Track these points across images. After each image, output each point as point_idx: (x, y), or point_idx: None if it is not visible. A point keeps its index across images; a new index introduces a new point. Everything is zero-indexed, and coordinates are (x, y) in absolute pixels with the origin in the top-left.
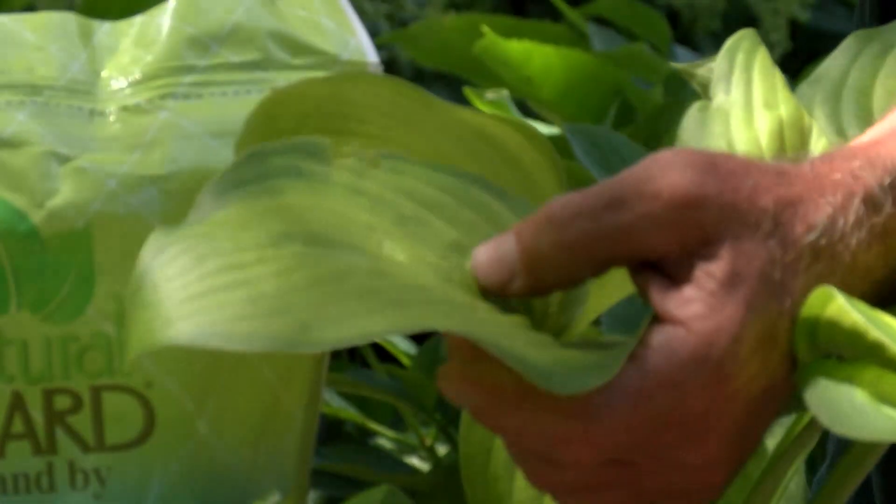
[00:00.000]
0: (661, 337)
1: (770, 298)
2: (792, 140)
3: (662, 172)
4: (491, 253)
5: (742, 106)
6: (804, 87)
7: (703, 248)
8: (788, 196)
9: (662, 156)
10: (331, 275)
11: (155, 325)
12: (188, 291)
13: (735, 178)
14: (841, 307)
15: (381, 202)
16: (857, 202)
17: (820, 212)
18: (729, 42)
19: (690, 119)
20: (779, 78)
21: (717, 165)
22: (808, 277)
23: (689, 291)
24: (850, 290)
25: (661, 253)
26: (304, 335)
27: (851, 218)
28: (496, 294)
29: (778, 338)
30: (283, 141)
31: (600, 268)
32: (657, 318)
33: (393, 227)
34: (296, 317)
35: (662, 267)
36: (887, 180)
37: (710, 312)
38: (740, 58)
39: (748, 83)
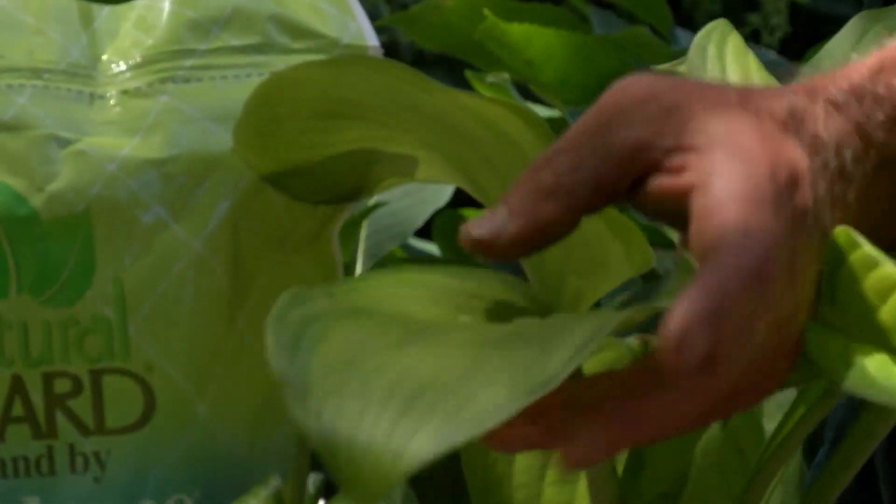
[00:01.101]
0: (707, 201)
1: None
2: None
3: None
4: (478, 219)
5: None
6: (808, 69)
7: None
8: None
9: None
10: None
11: (386, 466)
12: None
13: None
14: (867, 255)
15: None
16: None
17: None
18: (698, 36)
19: None
20: (752, 59)
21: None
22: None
23: (698, 155)
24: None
25: (647, 142)
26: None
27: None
28: (487, 252)
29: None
30: None
31: (592, 197)
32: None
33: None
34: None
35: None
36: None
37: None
38: (711, 49)
39: (722, 71)
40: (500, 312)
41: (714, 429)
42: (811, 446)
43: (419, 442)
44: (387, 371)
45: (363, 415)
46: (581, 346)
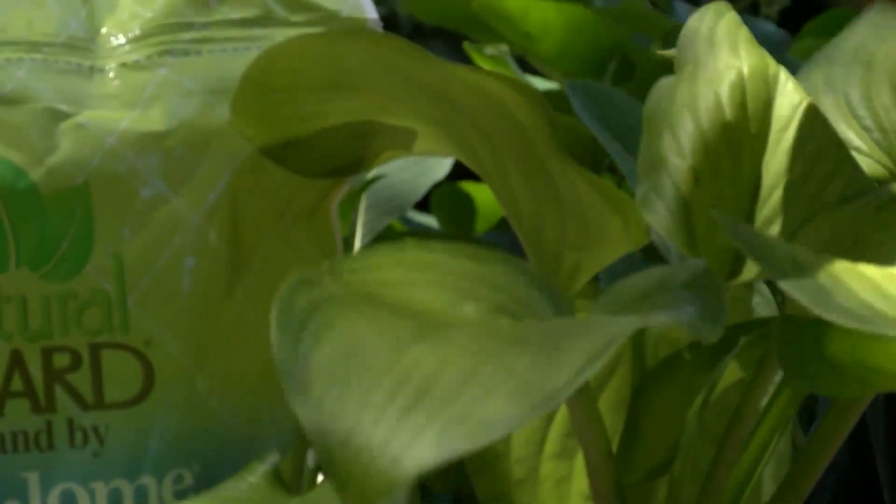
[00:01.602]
0: None
1: None
2: (755, 90)
3: None
4: None
5: (704, 71)
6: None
7: None
8: None
9: None
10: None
11: (384, 471)
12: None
13: None
14: None
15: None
16: None
17: None
18: (691, 18)
19: (656, 92)
20: (743, 34)
21: None
22: None
23: None
24: None
25: None
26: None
27: None
28: None
29: None
30: None
31: None
32: None
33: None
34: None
35: None
36: None
37: None
38: (702, 30)
39: (710, 48)
40: (505, 301)
41: (705, 395)
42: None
43: (420, 448)
44: (390, 371)
45: (363, 413)
46: (590, 358)
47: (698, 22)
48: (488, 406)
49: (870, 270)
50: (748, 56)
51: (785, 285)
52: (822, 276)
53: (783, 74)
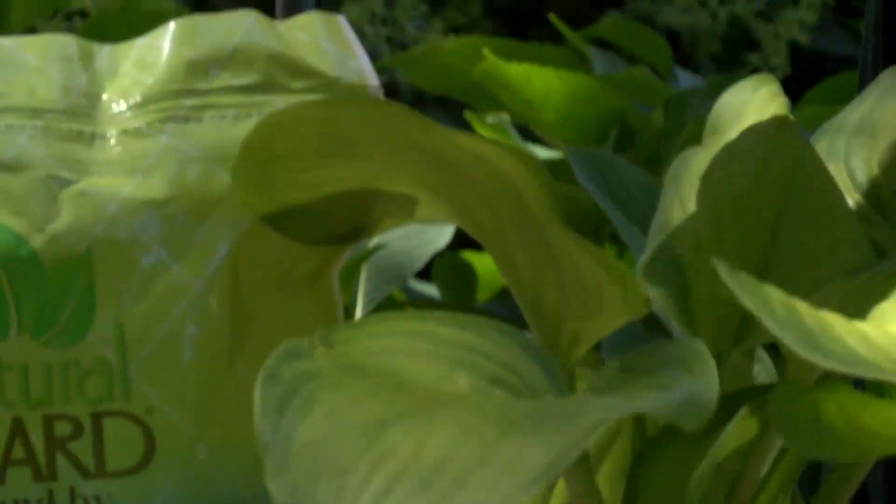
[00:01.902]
0: None
1: None
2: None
3: None
4: None
5: (723, 140)
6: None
7: None
8: None
9: None
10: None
11: None
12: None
13: None
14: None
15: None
16: None
17: None
18: (727, 93)
19: (675, 162)
20: (775, 106)
21: None
22: None
23: None
24: None
25: None
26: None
27: None
28: None
29: None
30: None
31: None
32: None
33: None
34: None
35: None
36: None
37: None
38: (735, 104)
39: (734, 121)
40: (500, 372)
41: (706, 463)
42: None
43: None
44: (367, 453)
45: (338, 498)
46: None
47: (734, 94)
48: (466, 491)
49: (862, 324)
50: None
51: (773, 327)
52: (813, 323)
53: (806, 146)
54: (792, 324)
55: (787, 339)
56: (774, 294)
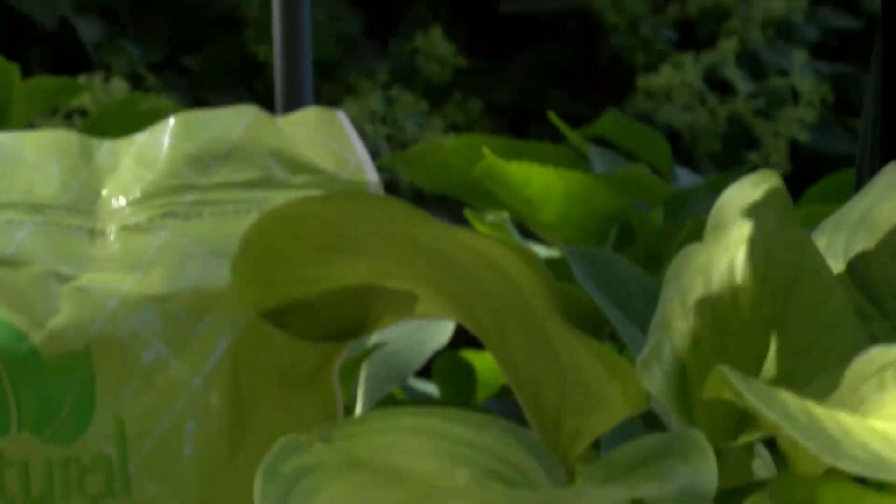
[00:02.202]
0: None
1: None
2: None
3: None
4: None
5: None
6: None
7: None
8: None
9: None
10: None
11: None
12: None
13: None
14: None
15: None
16: None
17: None
18: (728, 189)
19: (676, 259)
20: (777, 202)
21: None
22: None
23: None
24: None
25: None
26: None
27: None
28: None
29: None
30: None
31: None
32: None
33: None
34: None
35: None
36: None
37: None
38: (737, 200)
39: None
40: (499, 467)
41: None
42: None
43: None
44: None
45: None
46: None
47: (736, 191)
48: None
49: (878, 423)
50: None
51: (796, 434)
52: (832, 427)
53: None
54: (814, 431)
55: (813, 448)
56: (791, 401)
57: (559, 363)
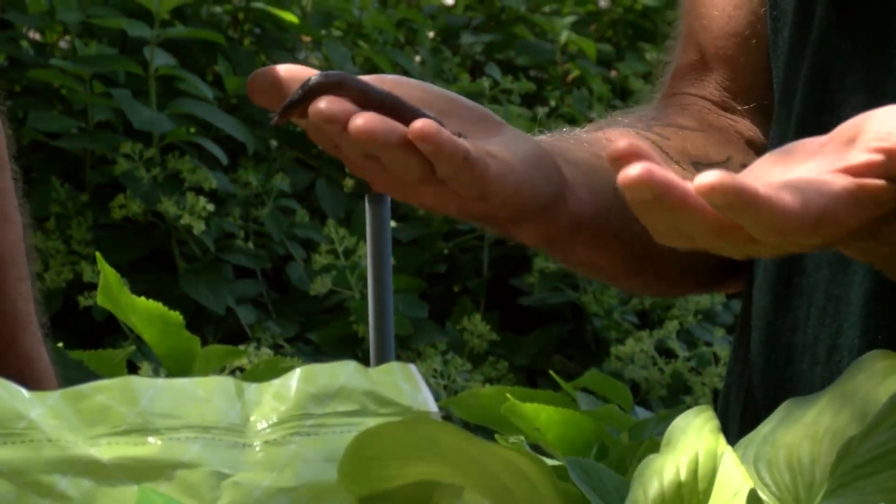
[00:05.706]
0: None
1: None
2: (704, 463)
3: None
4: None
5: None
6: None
7: None
8: None
9: None
10: None
11: None
12: None
13: None
14: None
15: None
16: None
17: None
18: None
19: (641, 464)
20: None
21: None
22: None
23: None
24: None
25: None
26: None
27: None
28: None
29: None
30: None
31: None
32: None
33: None
34: None
35: None
36: None
37: None
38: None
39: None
40: None
41: None
42: None
43: None
44: None
45: None
46: None
47: (682, 419)
48: None
49: None
50: (705, 440)
51: None
52: None
53: (728, 454)
54: None
55: None
56: None
57: None
